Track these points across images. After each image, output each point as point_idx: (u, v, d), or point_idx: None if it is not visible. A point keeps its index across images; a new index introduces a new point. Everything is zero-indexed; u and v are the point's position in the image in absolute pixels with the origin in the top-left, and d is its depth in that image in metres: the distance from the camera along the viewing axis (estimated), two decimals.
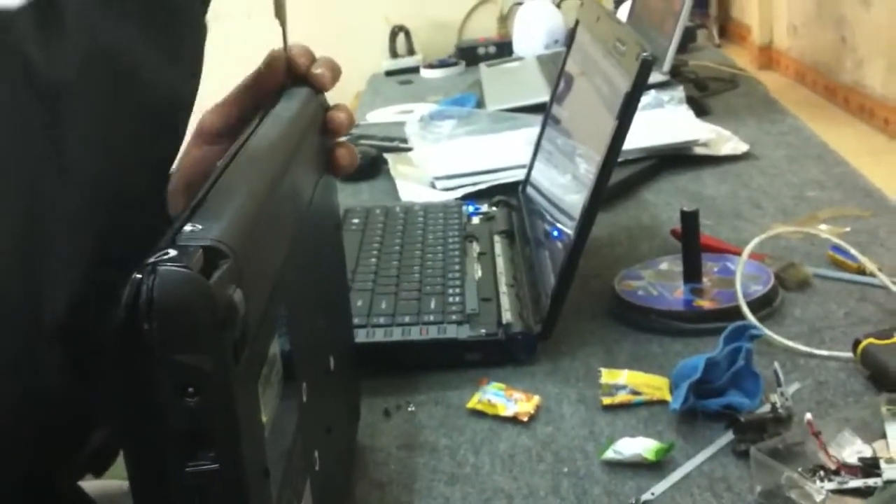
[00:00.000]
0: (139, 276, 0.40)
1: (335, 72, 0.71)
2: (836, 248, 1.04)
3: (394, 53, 2.46)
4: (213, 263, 0.42)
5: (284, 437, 0.52)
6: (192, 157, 0.74)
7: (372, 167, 1.54)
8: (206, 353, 0.40)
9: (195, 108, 0.61)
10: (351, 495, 0.77)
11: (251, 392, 0.45)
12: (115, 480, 1.09)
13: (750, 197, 1.26)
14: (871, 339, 0.84)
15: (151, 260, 0.40)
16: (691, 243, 1.01)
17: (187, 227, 0.44)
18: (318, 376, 0.63)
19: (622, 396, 0.84)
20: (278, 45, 0.69)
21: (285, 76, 0.70)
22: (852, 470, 0.70)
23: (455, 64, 2.29)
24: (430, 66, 2.30)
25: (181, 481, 0.41)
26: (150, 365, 0.40)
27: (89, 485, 1.02)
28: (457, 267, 1.07)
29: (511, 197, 1.28)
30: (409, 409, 0.88)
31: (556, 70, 1.27)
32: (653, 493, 0.73)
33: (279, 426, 0.51)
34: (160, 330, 0.39)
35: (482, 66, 2.16)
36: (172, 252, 0.41)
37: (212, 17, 0.59)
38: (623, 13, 2.01)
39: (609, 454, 0.77)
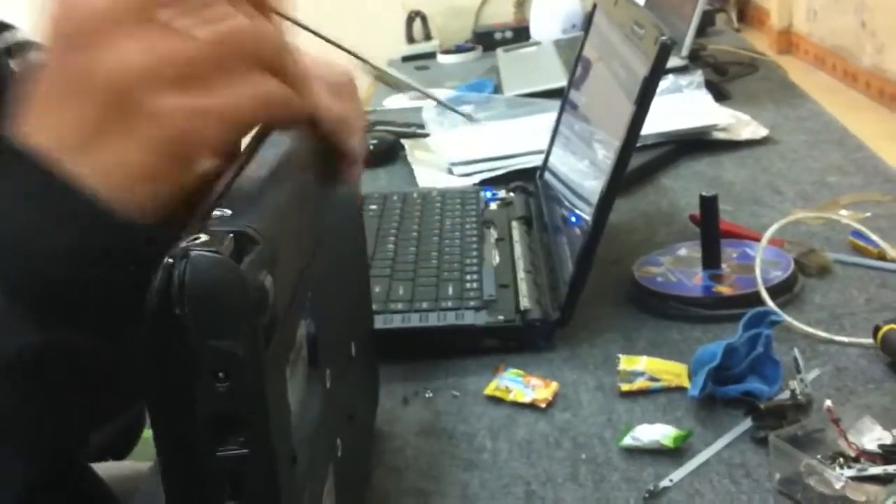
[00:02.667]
0: (170, 260, 0.40)
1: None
2: (857, 233, 1.03)
3: (410, 39, 2.46)
4: (244, 249, 0.42)
5: (309, 424, 0.52)
6: None
7: (389, 153, 1.54)
8: (238, 339, 0.40)
9: None
10: (369, 481, 0.77)
11: (280, 378, 0.45)
12: (133, 462, 1.10)
13: (769, 182, 1.26)
14: (892, 326, 0.83)
15: (182, 244, 0.40)
16: (710, 229, 1.00)
17: (216, 213, 0.43)
18: (340, 363, 0.63)
19: (640, 383, 0.84)
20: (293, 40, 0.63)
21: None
22: (872, 457, 0.70)
23: (472, 49, 2.28)
24: (447, 52, 2.29)
25: (211, 466, 0.41)
26: (182, 350, 0.40)
27: (108, 466, 1.03)
28: (474, 253, 1.07)
29: (529, 183, 1.27)
30: (427, 395, 0.88)
31: (574, 55, 1.27)
32: (671, 480, 0.72)
33: (304, 413, 0.51)
34: (192, 315, 0.39)
35: (499, 51, 2.15)
36: (203, 237, 0.41)
37: None
38: None
39: (627, 441, 0.76)
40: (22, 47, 0.63)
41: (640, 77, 0.88)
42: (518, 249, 1.08)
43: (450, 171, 1.42)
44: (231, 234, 0.42)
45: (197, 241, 0.41)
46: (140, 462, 1.10)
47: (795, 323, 0.89)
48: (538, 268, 1.04)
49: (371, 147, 1.52)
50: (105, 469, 1.03)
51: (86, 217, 0.47)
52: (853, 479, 0.68)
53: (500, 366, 0.90)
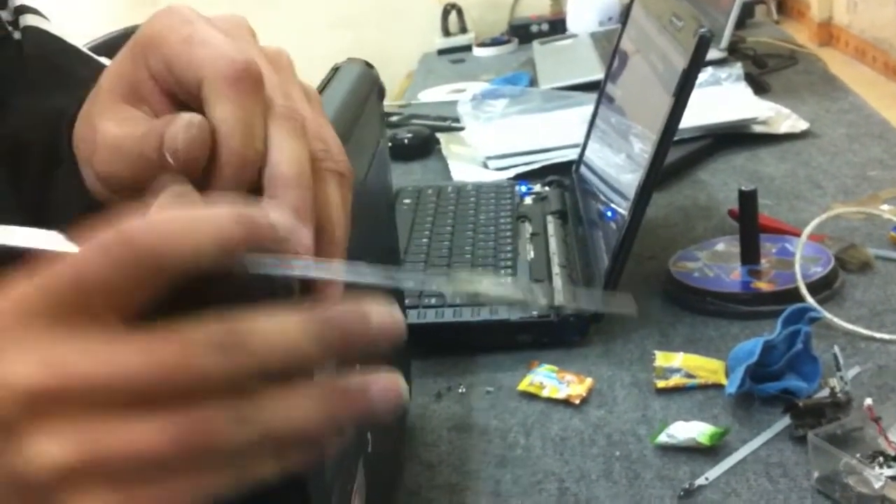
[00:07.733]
0: None
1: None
2: None
3: (446, 32, 2.45)
4: None
5: None
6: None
7: (424, 147, 1.53)
8: None
9: None
10: (401, 476, 0.76)
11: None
12: None
13: (809, 176, 1.24)
14: None
15: None
16: (749, 224, 0.99)
17: None
18: (372, 357, 0.63)
19: (676, 380, 0.83)
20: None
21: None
22: None
23: (507, 42, 2.27)
24: (483, 45, 2.28)
25: None
26: None
27: None
28: (509, 247, 1.06)
29: (564, 177, 1.26)
30: (460, 390, 0.87)
31: (611, 47, 1.26)
32: (707, 478, 0.72)
33: None
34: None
35: (535, 43, 2.14)
36: None
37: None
38: None
39: (662, 438, 0.76)
40: (20, 11, 0.62)
41: (679, 69, 0.87)
42: (553, 244, 1.07)
43: (485, 165, 1.41)
44: None
45: None
46: None
47: (835, 320, 0.87)
48: (573, 263, 1.03)
49: (406, 140, 1.52)
50: None
51: None
52: (893, 478, 0.66)
53: (534, 361, 0.89)
